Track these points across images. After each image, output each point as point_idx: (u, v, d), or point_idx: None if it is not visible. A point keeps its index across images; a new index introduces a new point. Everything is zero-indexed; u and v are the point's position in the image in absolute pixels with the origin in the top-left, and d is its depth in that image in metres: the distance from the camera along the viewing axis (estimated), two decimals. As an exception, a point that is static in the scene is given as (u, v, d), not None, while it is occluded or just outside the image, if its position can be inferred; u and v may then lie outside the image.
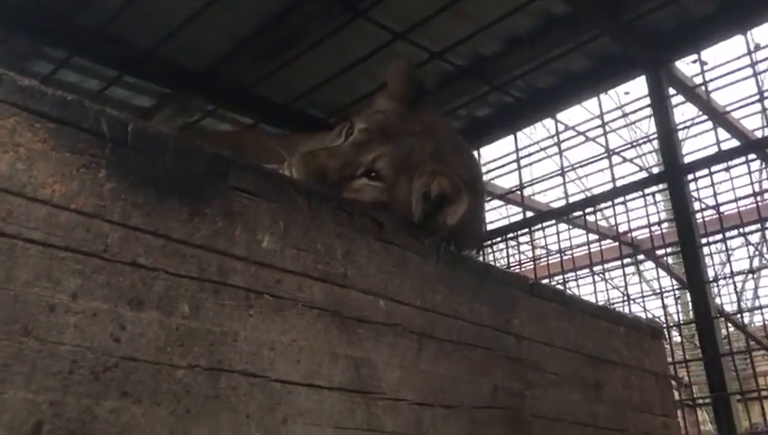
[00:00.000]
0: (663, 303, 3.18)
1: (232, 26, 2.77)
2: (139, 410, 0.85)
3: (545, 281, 4.87)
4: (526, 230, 3.70)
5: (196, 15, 2.68)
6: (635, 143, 3.93)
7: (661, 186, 3.08)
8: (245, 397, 0.97)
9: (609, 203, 3.07)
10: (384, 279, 1.27)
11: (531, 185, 3.64)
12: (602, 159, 3.32)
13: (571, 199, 3.36)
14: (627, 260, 4.23)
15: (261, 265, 1.06)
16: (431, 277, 1.38)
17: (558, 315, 1.71)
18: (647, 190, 2.98)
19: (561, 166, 3.23)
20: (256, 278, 1.05)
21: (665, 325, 2.64)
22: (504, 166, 3.69)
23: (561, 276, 4.34)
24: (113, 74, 2.89)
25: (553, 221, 3.42)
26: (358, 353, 1.16)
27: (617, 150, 3.64)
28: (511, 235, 3.56)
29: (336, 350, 1.13)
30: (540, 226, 3.59)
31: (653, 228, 3.36)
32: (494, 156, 3.70)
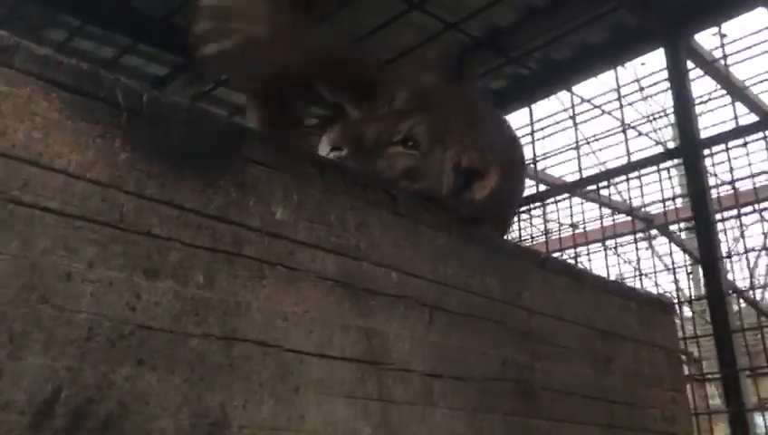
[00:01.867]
0: (675, 278, 3.17)
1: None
2: (154, 377, 0.86)
3: (557, 254, 4.87)
4: (539, 204, 3.69)
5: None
6: (651, 118, 3.89)
7: (676, 160, 3.06)
8: (258, 366, 0.99)
9: (624, 177, 3.05)
10: (396, 252, 1.27)
11: (545, 159, 3.62)
12: (617, 133, 3.29)
13: (585, 173, 3.34)
14: (639, 235, 4.22)
15: (274, 237, 1.07)
16: (443, 250, 1.38)
17: (569, 289, 1.72)
18: (662, 166, 2.96)
19: (576, 140, 3.20)
20: (270, 249, 1.05)
21: (676, 301, 2.64)
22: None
23: (573, 250, 4.34)
24: (127, 42, 2.89)
25: (567, 195, 3.40)
26: (369, 325, 1.17)
27: (632, 124, 3.60)
28: (524, 208, 3.55)
29: (348, 321, 1.14)
30: (553, 199, 3.57)
31: (667, 203, 3.34)
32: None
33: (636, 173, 3.00)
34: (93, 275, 0.84)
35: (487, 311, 1.43)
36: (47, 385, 0.77)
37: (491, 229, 1.58)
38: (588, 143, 3.64)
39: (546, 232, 4.18)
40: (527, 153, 3.65)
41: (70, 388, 0.78)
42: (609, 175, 3.12)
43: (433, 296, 1.31)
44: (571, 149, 3.28)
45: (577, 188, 3.27)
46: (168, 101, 0.99)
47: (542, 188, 3.72)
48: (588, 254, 4.86)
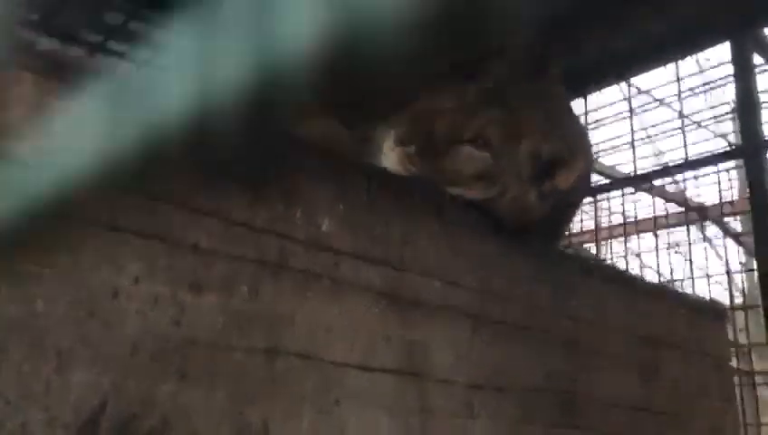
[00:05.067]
0: (730, 284, 3.07)
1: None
2: (197, 392, 0.87)
3: (607, 244, 4.77)
4: (603, 197, 3.62)
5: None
6: (715, 118, 3.76)
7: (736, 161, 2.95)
8: (300, 379, 0.99)
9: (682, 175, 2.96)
10: (441, 261, 1.26)
11: (606, 153, 3.53)
12: (675, 124, 3.18)
13: (639, 162, 3.26)
14: (695, 237, 4.10)
15: (319, 249, 1.06)
16: (489, 259, 1.36)
17: (617, 297, 1.68)
18: (722, 166, 2.86)
19: (632, 132, 3.11)
20: (315, 261, 1.05)
21: (729, 307, 2.55)
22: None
23: (623, 242, 4.26)
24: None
25: (626, 188, 3.32)
26: (412, 336, 1.16)
27: (692, 116, 3.47)
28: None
29: (390, 332, 1.13)
30: (614, 194, 3.49)
31: (724, 199, 3.23)
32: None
33: (694, 172, 2.91)
34: (139, 292, 0.84)
35: (532, 320, 1.41)
36: (92, 401, 0.78)
37: (565, 226, 1.53)
38: (647, 135, 3.51)
39: (597, 227, 4.10)
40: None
41: (114, 404, 0.80)
42: (668, 172, 3.02)
43: (477, 306, 1.30)
44: (627, 141, 3.18)
45: (637, 182, 3.18)
46: (218, 108, 0.99)
47: (598, 178, 3.64)
48: (638, 255, 4.76)
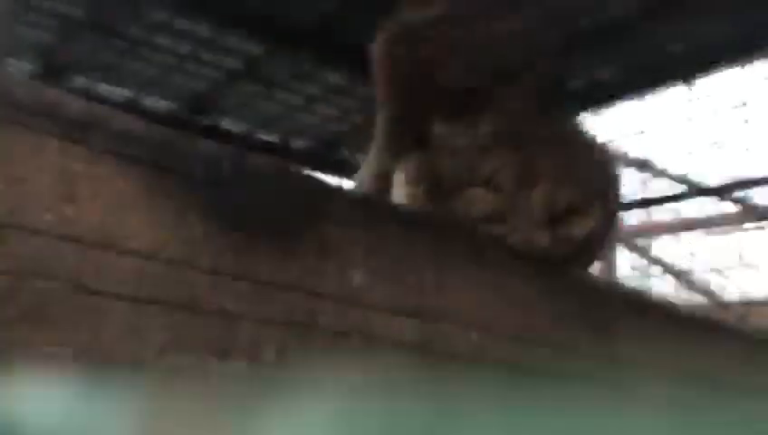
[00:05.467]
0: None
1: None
2: (220, 464, 0.85)
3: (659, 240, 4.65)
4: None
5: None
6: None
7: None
8: (327, 443, 0.96)
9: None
10: (478, 309, 1.21)
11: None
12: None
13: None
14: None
15: (350, 304, 1.02)
16: (529, 302, 1.30)
17: (669, 334, 1.60)
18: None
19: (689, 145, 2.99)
20: (345, 317, 1.01)
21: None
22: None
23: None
24: (224, 20, 2.88)
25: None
26: (445, 391, 1.12)
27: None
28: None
29: (421, 389, 1.09)
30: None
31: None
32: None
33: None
34: (163, 362, 0.82)
35: (572, 367, 1.35)
36: (112, 480, 0.76)
37: (585, 271, 1.48)
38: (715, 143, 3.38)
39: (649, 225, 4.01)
40: (638, 148, 3.46)
41: (133, 482, 0.78)
42: (743, 186, 2.91)
43: (515, 356, 1.24)
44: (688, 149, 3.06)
45: (715, 194, 3.07)
46: (251, 166, 0.96)
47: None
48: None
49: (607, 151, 1.72)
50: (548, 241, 1.39)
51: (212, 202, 0.90)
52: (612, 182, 1.66)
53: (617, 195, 1.69)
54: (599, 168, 1.56)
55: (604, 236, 1.60)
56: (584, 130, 1.66)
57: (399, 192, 1.40)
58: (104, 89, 3.29)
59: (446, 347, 1.14)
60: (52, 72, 3.10)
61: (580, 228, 1.38)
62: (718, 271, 4.97)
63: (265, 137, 3.86)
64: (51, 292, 0.75)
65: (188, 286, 0.86)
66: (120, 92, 3.33)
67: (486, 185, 1.39)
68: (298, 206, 1.00)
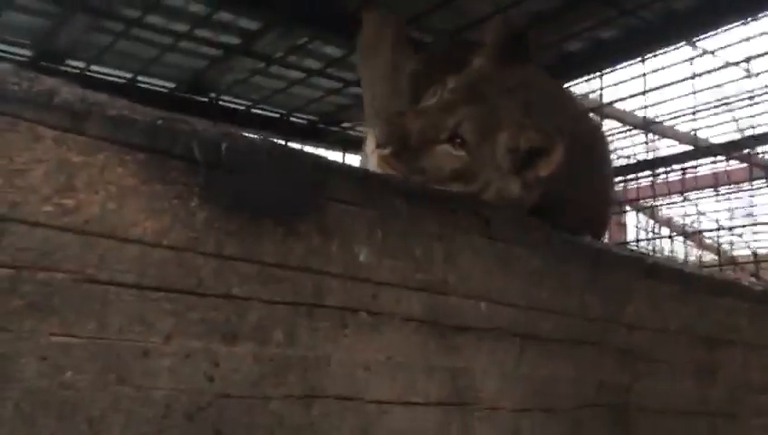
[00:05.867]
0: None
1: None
2: (233, 447, 0.85)
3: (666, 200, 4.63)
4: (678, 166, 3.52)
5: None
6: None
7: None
8: (338, 422, 0.96)
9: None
10: (487, 280, 1.20)
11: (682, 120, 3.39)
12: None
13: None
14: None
15: (357, 281, 1.02)
16: (538, 272, 1.29)
17: (674, 297, 1.59)
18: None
19: (694, 103, 2.95)
20: (352, 295, 1.01)
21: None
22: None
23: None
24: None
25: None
26: (456, 364, 1.12)
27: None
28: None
29: (433, 362, 1.09)
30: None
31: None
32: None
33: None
34: (171, 349, 0.82)
35: (585, 333, 1.35)
36: (126, 468, 0.76)
37: (572, 220, 1.46)
38: (727, 104, 3.33)
39: (654, 186, 3.99)
40: (640, 107, 3.42)
41: (148, 469, 0.78)
42: (753, 143, 2.88)
43: (525, 324, 1.24)
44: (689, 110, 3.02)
45: (718, 153, 3.04)
46: (248, 146, 0.94)
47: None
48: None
49: (568, 90, 1.71)
50: (518, 188, 1.42)
51: (213, 185, 0.89)
52: (576, 118, 1.66)
53: (584, 130, 1.69)
54: (560, 106, 1.57)
55: (587, 184, 1.58)
56: (544, 73, 1.67)
57: (371, 157, 1.42)
58: (100, 72, 3.25)
59: (455, 319, 1.13)
60: (47, 57, 3.07)
61: (546, 168, 1.38)
62: (728, 229, 4.96)
63: (266, 112, 3.82)
64: (55, 282, 0.75)
65: (193, 272, 0.85)
66: (116, 74, 3.29)
67: (452, 141, 1.41)
68: (300, 185, 0.99)
